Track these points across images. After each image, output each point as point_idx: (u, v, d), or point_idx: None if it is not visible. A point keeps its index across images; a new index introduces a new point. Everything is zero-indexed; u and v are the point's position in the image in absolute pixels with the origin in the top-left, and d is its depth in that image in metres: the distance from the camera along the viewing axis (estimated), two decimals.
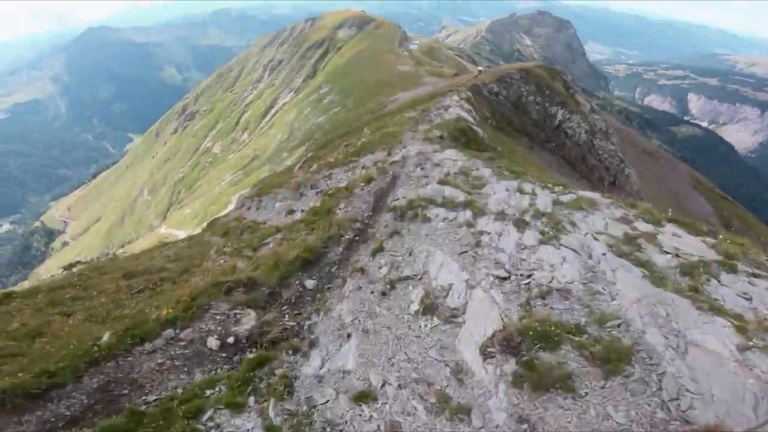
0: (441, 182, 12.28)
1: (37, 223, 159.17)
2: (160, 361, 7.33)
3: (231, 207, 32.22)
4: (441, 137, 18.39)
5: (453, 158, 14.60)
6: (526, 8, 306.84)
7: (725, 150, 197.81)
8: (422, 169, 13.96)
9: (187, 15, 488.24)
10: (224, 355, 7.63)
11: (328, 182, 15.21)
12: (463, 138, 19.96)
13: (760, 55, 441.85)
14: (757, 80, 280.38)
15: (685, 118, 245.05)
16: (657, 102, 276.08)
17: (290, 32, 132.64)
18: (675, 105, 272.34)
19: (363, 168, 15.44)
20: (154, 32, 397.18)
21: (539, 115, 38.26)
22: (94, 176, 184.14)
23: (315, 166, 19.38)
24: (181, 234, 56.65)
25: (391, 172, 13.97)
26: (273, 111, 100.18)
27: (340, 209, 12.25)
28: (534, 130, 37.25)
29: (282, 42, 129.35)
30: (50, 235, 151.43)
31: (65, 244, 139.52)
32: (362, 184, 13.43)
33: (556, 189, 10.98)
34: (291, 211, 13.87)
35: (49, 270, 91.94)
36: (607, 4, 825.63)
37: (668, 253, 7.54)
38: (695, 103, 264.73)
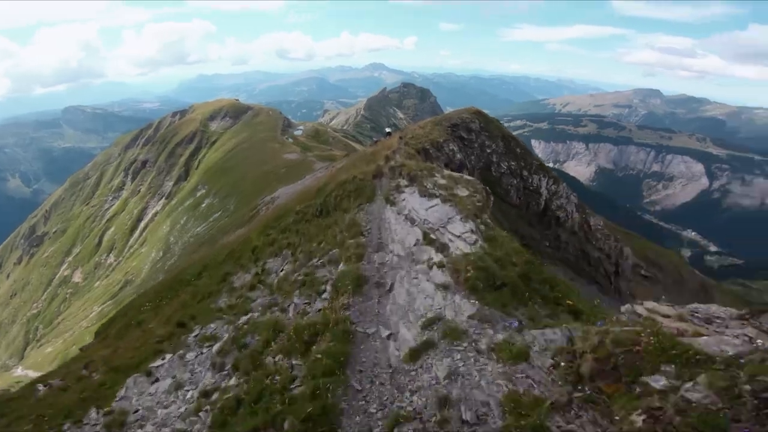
0: None
1: None
2: None
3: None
4: None
5: None
6: (395, 81, 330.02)
7: (573, 185, 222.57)
8: None
9: (33, 113, 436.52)
10: None
11: None
12: None
13: (568, 94, 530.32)
14: (574, 117, 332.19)
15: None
16: None
17: (156, 128, 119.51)
18: None
19: None
20: None
21: (518, 194, 31.00)
22: None
23: None
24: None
25: None
26: (143, 224, 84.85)
27: None
28: (523, 227, 29.76)
29: (147, 140, 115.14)
30: None
31: None
32: None
33: None
34: None
35: None
36: (450, 69, 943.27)
37: None
38: (539, 148, 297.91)
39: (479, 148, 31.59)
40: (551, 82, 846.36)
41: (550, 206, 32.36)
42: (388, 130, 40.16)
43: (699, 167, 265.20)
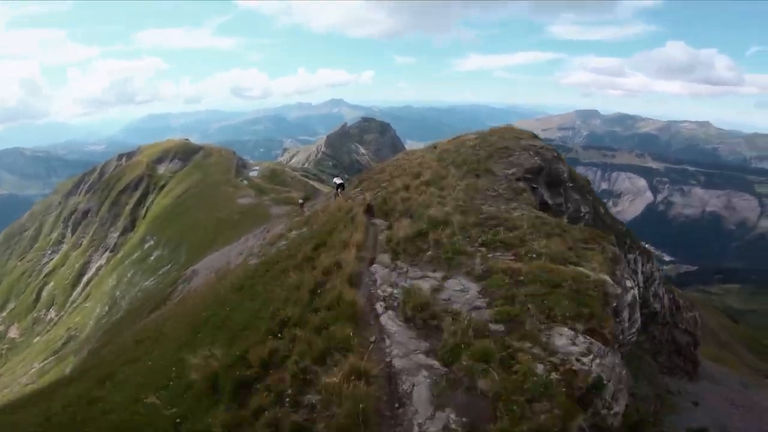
0: None
1: None
2: None
3: None
4: None
5: None
6: (355, 117, 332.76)
7: None
8: None
9: None
10: None
11: None
12: None
13: (517, 120, 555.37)
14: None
15: None
16: None
17: (100, 173, 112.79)
18: None
19: None
20: None
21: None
22: None
23: None
24: None
25: None
26: (85, 279, 78.46)
27: None
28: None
29: (90, 186, 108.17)
30: None
31: None
32: None
33: None
34: None
35: None
36: (408, 101, 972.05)
37: None
38: None
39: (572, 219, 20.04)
40: (501, 109, 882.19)
41: (648, 300, 23.07)
42: (338, 181, 26.25)
43: (642, 182, 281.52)
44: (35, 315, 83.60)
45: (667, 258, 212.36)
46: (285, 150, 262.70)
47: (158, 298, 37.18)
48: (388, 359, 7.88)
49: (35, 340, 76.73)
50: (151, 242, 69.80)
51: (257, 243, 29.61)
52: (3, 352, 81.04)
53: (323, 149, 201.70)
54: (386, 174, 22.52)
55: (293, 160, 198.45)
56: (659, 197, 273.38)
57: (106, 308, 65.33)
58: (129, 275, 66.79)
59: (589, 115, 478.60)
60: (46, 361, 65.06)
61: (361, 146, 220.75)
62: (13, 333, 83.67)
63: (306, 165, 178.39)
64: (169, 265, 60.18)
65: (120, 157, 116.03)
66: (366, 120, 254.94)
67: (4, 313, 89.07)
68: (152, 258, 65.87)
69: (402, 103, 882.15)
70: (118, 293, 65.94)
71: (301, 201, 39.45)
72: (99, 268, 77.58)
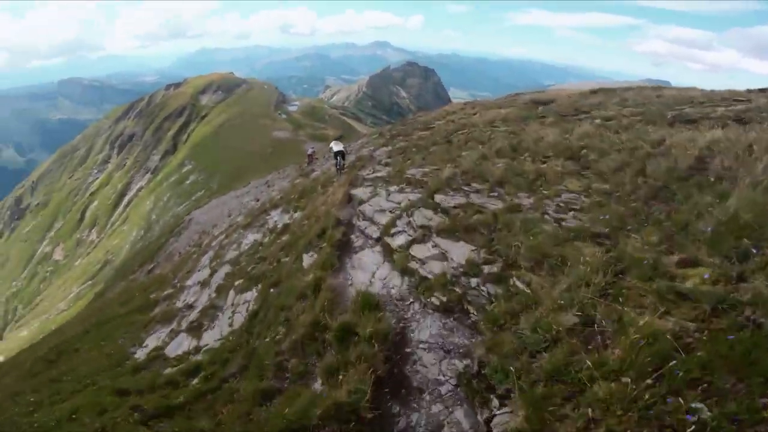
0: None
1: None
2: None
3: None
4: None
5: None
6: (399, 60, 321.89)
7: None
8: None
9: (28, 85, 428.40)
10: None
11: None
12: None
13: (575, 81, 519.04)
14: None
15: None
16: None
17: (148, 101, 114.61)
18: None
19: None
20: None
21: None
22: None
23: None
24: None
25: None
26: (126, 199, 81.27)
27: None
28: None
29: (139, 113, 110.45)
30: None
31: None
32: None
33: None
34: None
35: None
36: (457, 50, 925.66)
37: None
38: None
39: None
40: (559, 68, 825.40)
41: None
42: (336, 147, 18.71)
43: None
44: (78, 236, 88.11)
45: None
46: (327, 87, 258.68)
47: (152, 248, 36.99)
48: None
49: (76, 263, 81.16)
50: (189, 166, 70.67)
51: (250, 206, 25.88)
52: (47, 274, 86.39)
53: (364, 89, 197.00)
54: (438, 135, 18.15)
55: (334, 98, 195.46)
56: None
57: (142, 232, 67.53)
58: (165, 198, 68.31)
59: (659, 85, 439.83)
60: (83, 286, 68.74)
61: (403, 89, 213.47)
62: (57, 255, 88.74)
63: (345, 103, 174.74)
64: (202, 191, 60.78)
65: (168, 87, 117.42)
66: (410, 64, 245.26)
67: (52, 233, 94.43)
68: (188, 182, 66.80)
69: (449, 51, 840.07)
70: (153, 216, 67.85)
71: (310, 151, 33.34)
72: (139, 189, 79.93)
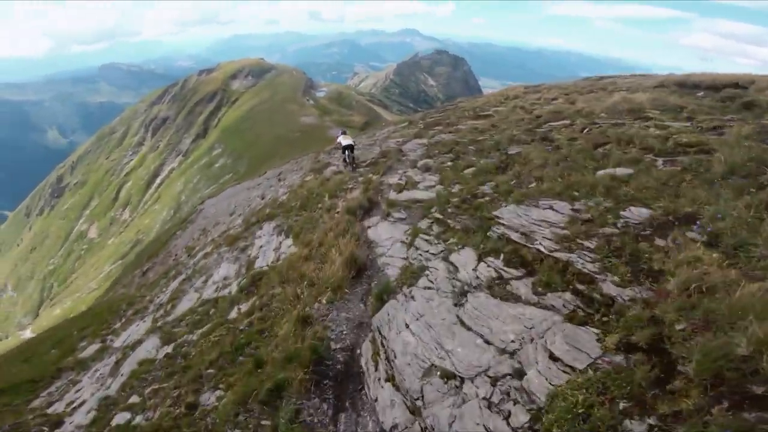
0: None
1: None
2: None
3: None
4: None
5: None
6: (428, 48, 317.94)
7: None
8: None
9: (70, 70, 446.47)
10: None
11: None
12: None
13: (615, 72, 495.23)
14: None
15: None
16: None
17: (182, 86, 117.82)
18: None
19: None
20: (31, 89, 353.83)
21: None
22: None
23: None
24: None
25: None
26: (158, 180, 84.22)
27: None
28: None
29: (173, 97, 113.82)
30: None
31: None
32: None
33: None
34: None
35: None
36: (489, 38, 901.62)
37: None
38: None
39: None
40: (596, 59, 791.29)
41: None
42: (345, 141, 17.02)
43: None
44: (112, 215, 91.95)
45: None
46: (355, 74, 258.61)
47: (162, 239, 36.99)
48: None
49: (109, 242, 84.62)
50: (219, 150, 72.48)
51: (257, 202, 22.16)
52: (82, 252, 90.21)
53: (391, 77, 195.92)
54: (513, 127, 12.40)
55: (361, 85, 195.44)
56: None
57: (171, 212, 69.99)
58: (195, 180, 70.45)
59: None
60: (114, 265, 71.72)
61: (431, 77, 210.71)
62: (92, 233, 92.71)
63: (373, 90, 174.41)
64: (230, 174, 62.36)
65: (201, 72, 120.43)
66: (439, 52, 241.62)
67: (88, 211, 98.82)
68: (217, 165, 68.61)
69: (480, 40, 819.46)
70: (183, 198, 70.14)
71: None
72: (171, 171, 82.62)
